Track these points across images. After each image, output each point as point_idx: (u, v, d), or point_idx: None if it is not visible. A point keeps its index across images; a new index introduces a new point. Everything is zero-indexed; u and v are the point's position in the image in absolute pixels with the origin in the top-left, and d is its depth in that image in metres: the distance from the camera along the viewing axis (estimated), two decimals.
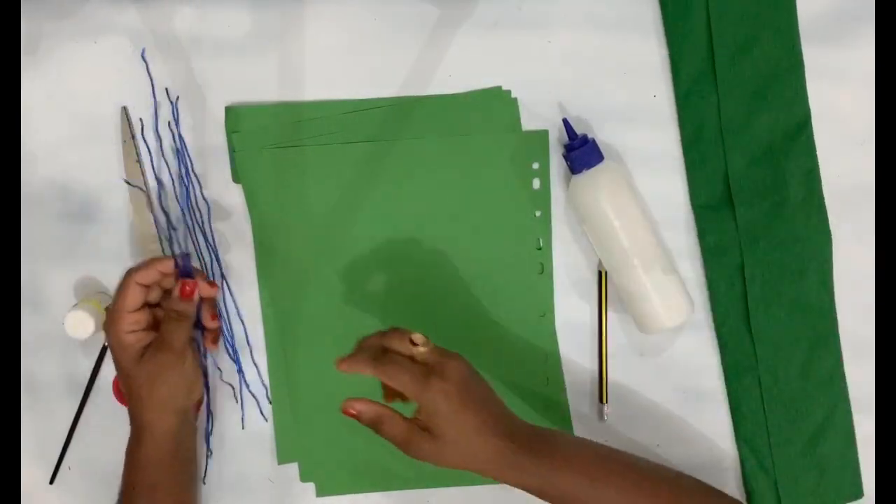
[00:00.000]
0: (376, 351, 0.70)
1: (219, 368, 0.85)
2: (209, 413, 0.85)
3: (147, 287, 0.75)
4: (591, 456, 0.72)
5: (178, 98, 0.82)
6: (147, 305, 0.76)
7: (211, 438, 0.85)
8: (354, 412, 0.70)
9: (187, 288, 0.73)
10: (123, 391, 0.76)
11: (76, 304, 0.81)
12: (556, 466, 0.69)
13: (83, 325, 0.79)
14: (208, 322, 0.78)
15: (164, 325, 0.75)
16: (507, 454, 0.68)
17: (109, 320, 0.74)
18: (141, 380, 0.74)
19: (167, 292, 0.77)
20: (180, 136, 0.82)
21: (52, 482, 0.85)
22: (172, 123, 0.82)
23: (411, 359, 0.69)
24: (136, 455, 0.76)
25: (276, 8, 0.81)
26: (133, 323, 0.74)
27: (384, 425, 0.69)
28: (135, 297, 0.73)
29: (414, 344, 0.69)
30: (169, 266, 0.75)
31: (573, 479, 0.69)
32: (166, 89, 0.82)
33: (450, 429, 0.67)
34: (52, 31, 0.81)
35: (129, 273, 0.75)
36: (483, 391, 0.70)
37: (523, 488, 0.70)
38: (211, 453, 0.85)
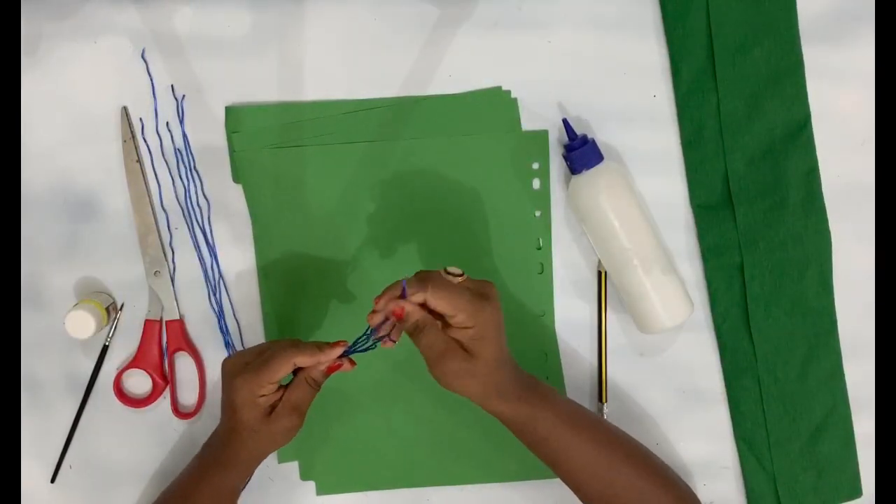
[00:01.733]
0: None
1: None
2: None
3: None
4: (577, 409, 0.76)
5: (183, 96, 0.82)
6: None
7: None
8: (402, 311, 0.69)
9: (335, 365, 0.73)
10: (233, 429, 0.74)
11: (76, 304, 0.81)
12: (547, 408, 0.73)
13: (83, 325, 0.79)
14: None
15: (299, 389, 0.73)
16: (517, 387, 0.72)
17: (244, 380, 0.71)
18: (265, 436, 0.73)
19: None
20: (184, 133, 0.82)
21: (53, 481, 0.86)
22: (176, 121, 0.82)
23: None
24: (213, 482, 0.76)
25: (276, 8, 0.81)
26: (269, 389, 0.72)
27: (426, 331, 0.69)
28: (285, 372, 0.72)
29: (450, 274, 0.71)
30: (332, 357, 0.72)
31: (558, 423, 0.73)
32: (171, 86, 0.82)
33: (489, 352, 0.70)
34: (52, 31, 0.81)
35: (290, 351, 0.71)
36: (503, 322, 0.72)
37: (513, 423, 0.73)
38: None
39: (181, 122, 0.82)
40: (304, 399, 0.73)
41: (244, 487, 0.80)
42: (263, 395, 0.72)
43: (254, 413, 0.72)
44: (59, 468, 0.85)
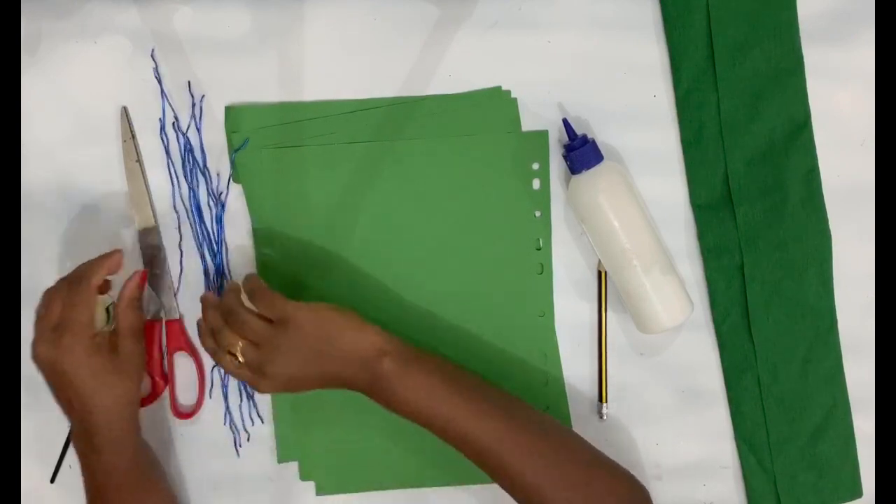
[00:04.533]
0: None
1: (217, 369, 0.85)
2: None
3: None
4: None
5: (203, 96, 0.82)
6: None
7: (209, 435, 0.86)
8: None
9: (140, 278, 0.79)
10: (85, 403, 0.74)
11: None
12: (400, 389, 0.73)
13: None
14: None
15: (126, 314, 0.77)
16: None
17: (72, 338, 0.73)
18: (121, 373, 0.76)
19: None
20: (198, 130, 0.82)
21: (52, 481, 0.86)
22: (174, 120, 0.82)
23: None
24: (96, 463, 0.77)
25: (276, 8, 0.81)
26: (96, 319, 0.76)
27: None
28: (96, 293, 0.76)
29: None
30: (114, 259, 0.78)
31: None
32: (188, 82, 0.82)
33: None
34: (52, 31, 0.81)
35: (91, 274, 0.76)
36: (310, 352, 0.73)
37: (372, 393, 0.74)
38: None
39: (199, 120, 0.82)
40: (137, 320, 0.78)
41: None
42: (95, 335, 0.74)
43: (97, 360, 0.74)
44: (59, 468, 0.85)
